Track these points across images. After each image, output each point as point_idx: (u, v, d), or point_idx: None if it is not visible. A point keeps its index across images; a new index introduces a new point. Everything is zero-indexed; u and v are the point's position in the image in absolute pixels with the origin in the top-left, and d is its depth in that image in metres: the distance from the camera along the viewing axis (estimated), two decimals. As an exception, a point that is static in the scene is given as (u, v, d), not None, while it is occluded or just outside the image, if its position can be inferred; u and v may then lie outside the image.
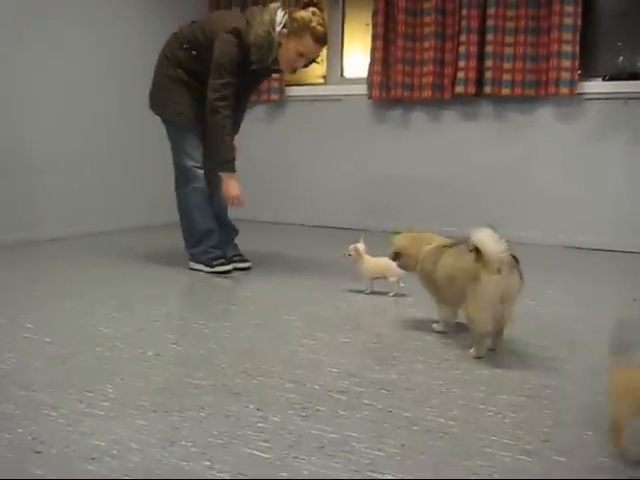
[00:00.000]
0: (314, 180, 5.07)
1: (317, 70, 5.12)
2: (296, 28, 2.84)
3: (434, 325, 2.22)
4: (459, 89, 4.36)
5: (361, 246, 2.73)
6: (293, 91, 5.08)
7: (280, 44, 2.88)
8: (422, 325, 2.28)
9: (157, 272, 3.13)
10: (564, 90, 4.12)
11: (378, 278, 2.72)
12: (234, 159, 2.95)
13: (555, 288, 2.99)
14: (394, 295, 2.70)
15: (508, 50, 4.28)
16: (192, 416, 1.47)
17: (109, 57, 4.35)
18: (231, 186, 2.95)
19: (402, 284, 2.69)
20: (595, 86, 4.19)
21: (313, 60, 3.03)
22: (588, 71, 4.23)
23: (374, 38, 4.64)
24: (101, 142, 4.24)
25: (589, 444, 1.38)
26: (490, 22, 4.26)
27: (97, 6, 4.23)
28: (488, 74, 4.29)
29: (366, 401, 1.59)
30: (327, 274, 3.12)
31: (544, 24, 4.20)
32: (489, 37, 4.27)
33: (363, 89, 4.76)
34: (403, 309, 2.55)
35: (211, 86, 2.86)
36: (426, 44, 4.47)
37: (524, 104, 4.37)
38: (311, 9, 2.86)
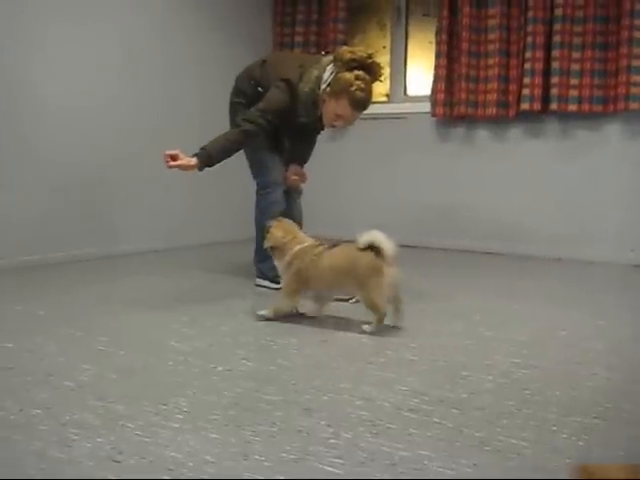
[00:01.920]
0: (378, 198, 5.07)
1: (381, 88, 5.15)
2: (336, 90, 2.81)
3: (262, 311, 2.53)
4: (524, 106, 4.31)
5: None
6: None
7: (324, 101, 2.88)
8: (490, 342, 2.26)
9: (227, 287, 3.21)
10: (634, 105, 4.02)
11: None
12: (209, 154, 2.75)
13: (625, 308, 2.91)
14: (355, 302, 2.73)
15: (575, 66, 4.21)
16: (264, 431, 1.49)
17: (191, 76, 4.52)
18: (185, 162, 2.71)
19: None
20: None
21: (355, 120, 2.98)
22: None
23: (437, 56, 4.64)
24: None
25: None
26: (556, 38, 4.21)
27: (171, 30, 4.40)
28: (554, 90, 4.23)
29: (436, 419, 1.58)
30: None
31: (612, 39, 4.13)
32: (555, 53, 4.22)
33: (427, 107, 4.76)
34: (472, 328, 2.52)
35: (249, 112, 2.89)
36: (490, 61, 4.45)
37: (592, 120, 4.28)
38: (356, 72, 2.76)
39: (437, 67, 4.65)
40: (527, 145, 4.51)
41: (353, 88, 2.76)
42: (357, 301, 2.75)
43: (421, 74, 5.09)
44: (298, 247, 2.52)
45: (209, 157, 2.73)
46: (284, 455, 1.37)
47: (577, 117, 4.31)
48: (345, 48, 2.86)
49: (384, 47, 5.21)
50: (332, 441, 1.44)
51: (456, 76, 4.60)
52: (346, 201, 5.21)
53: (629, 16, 3.99)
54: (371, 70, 2.80)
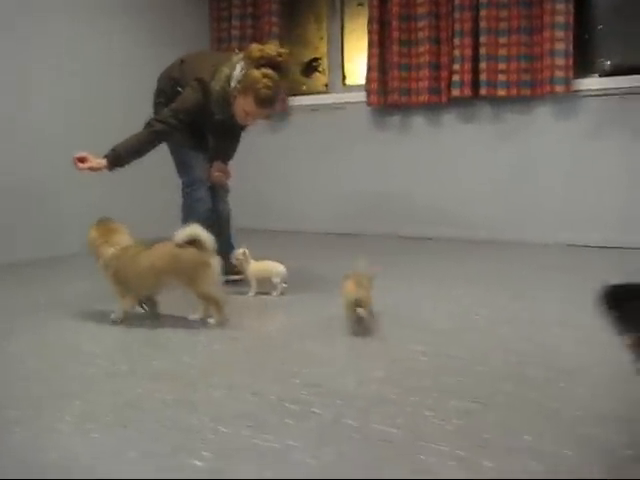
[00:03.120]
0: (320, 187, 5.14)
1: (321, 79, 5.21)
2: (243, 87, 2.83)
3: (112, 315, 2.53)
4: (455, 92, 4.40)
5: (246, 250, 2.99)
6: (297, 100, 5.17)
7: (234, 98, 2.90)
8: (403, 330, 2.34)
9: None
10: (559, 88, 4.12)
11: (263, 279, 2.99)
12: (119, 154, 2.76)
13: (550, 290, 3.02)
14: (279, 295, 2.96)
15: (502, 51, 4.30)
16: (149, 429, 1.55)
17: (128, 78, 4.51)
18: (95, 164, 2.75)
19: (285, 284, 2.98)
20: (591, 83, 4.19)
21: (267, 116, 3.03)
22: (585, 68, 4.24)
23: (370, 45, 4.71)
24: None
25: (523, 449, 1.43)
26: (483, 24, 4.29)
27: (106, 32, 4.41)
28: (483, 76, 4.31)
29: (317, 410, 1.65)
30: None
31: (537, 23, 4.22)
32: (482, 39, 4.29)
33: (363, 96, 4.82)
34: (389, 316, 2.59)
35: (161, 112, 2.92)
36: (421, 49, 4.52)
37: (521, 104, 4.38)
38: (263, 70, 2.79)
39: (370, 56, 4.71)
40: (460, 130, 4.60)
41: (259, 86, 2.79)
42: (281, 294, 2.94)
43: (361, 63, 5.13)
44: (112, 250, 2.50)
45: (118, 158, 2.76)
46: (159, 451, 1.44)
47: (507, 101, 4.40)
48: (254, 46, 2.87)
49: (321, 38, 5.25)
50: (210, 436, 1.51)
51: (388, 65, 4.66)
52: (289, 191, 5.28)
53: (551, 0, 4.07)
54: (280, 68, 2.83)
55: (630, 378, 1.83)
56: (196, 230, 2.41)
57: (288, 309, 2.79)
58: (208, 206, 3.20)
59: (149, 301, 2.64)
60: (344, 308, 2.35)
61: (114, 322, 2.52)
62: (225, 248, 3.32)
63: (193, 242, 2.40)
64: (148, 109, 3.17)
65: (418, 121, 4.73)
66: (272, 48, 2.84)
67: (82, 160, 2.73)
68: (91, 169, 2.74)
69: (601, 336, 2.22)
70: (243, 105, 2.89)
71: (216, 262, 2.43)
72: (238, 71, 2.87)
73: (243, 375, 1.93)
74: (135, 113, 3.06)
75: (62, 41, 4.16)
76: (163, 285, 2.53)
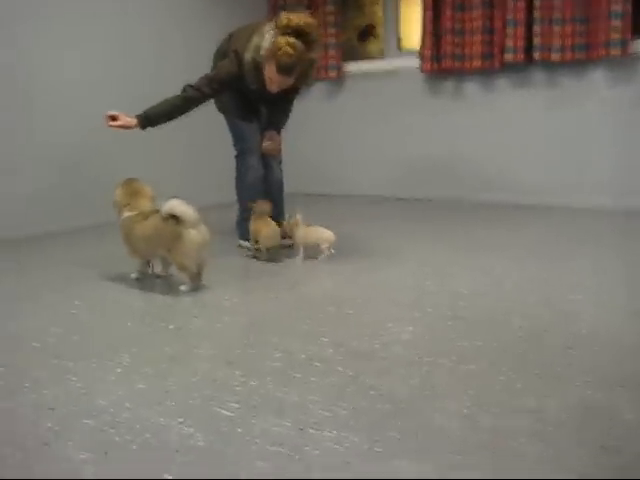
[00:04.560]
0: (372, 153, 5.23)
1: (376, 44, 5.24)
2: (267, 54, 2.91)
3: (132, 274, 2.82)
4: (508, 57, 4.37)
5: (298, 216, 3.11)
6: (352, 66, 5.23)
7: (264, 66, 2.97)
8: (429, 295, 2.45)
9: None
10: (615, 51, 4.05)
11: (311, 244, 3.14)
12: (149, 115, 2.96)
13: (583, 257, 3.05)
14: (325, 260, 3.10)
15: (557, 14, 4.24)
16: (184, 381, 1.73)
17: (184, 40, 4.67)
18: (125, 122, 2.96)
19: (332, 250, 3.12)
20: (650, 45, 4.10)
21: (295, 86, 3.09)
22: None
23: (424, 9, 4.70)
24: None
25: (526, 410, 1.53)
26: (537, -13, 4.23)
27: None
28: (537, 40, 4.27)
29: (340, 368, 1.79)
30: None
31: (593, -16, 4.13)
32: (536, 2, 4.24)
33: (417, 62, 4.84)
34: (418, 280, 2.70)
35: (198, 79, 3.03)
36: (474, 13, 4.49)
37: (575, 68, 4.32)
38: (287, 38, 2.84)
39: (424, 20, 4.71)
40: (513, 95, 4.59)
41: (280, 52, 2.85)
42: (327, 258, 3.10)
43: (418, 27, 5.12)
44: (126, 214, 2.72)
45: (148, 118, 2.96)
46: (191, 402, 1.61)
47: (561, 66, 4.35)
48: (284, 14, 2.92)
49: (377, 3, 5.26)
50: (237, 388, 1.67)
51: (442, 29, 4.65)
52: (341, 157, 5.38)
53: (609, -39, 3.98)
54: (306, 37, 2.88)
55: None
56: (176, 204, 2.50)
57: (330, 274, 2.93)
58: (258, 174, 3.34)
59: (164, 262, 2.82)
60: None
61: (137, 279, 2.82)
62: (277, 215, 3.48)
63: (174, 215, 2.50)
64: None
65: (471, 87, 4.74)
66: (300, 17, 2.88)
67: (114, 118, 2.93)
68: (122, 127, 2.94)
69: (622, 305, 2.29)
70: (268, 72, 2.97)
71: (192, 233, 2.50)
72: (267, 40, 2.93)
73: (278, 334, 2.08)
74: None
75: (114, 9, 4.34)
76: (153, 253, 2.73)
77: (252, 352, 1.94)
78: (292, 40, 2.84)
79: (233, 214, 3.55)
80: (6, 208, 3.80)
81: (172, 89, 3.02)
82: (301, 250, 3.15)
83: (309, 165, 5.38)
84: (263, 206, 3.16)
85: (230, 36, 3.26)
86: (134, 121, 2.94)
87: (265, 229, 3.08)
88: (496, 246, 3.33)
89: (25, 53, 3.84)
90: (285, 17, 2.87)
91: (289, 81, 3.00)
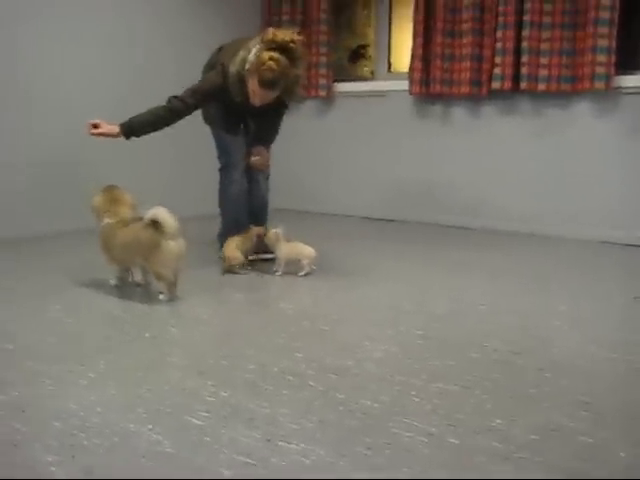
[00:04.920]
0: (360, 173, 5.26)
1: (368, 65, 5.31)
2: (251, 68, 2.92)
3: (110, 281, 2.83)
4: (495, 85, 4.43)
5: (279, 231, 3.14)
6: (342, 86, 5.28)
7: (247, 80, 2.99)
8: (405, 315, 2.48)
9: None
10: (599, 85, 4.12)
11: (292, 260, 3.16)
12: (131, 124, 2.97)
13: (563, 284, 3.09)
14: (304, 275, 3.12)
15: (544, 45, 4.30)
16: (155, 389, 1.74)
17: (179, 56, 4.71)
18: (107, 130, 2.97)
19: (313, 267, 3.16)
20: (633, 80, 4.17)
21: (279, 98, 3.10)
22: (629, 65, 4.22)
23: (415, 35, 4.76)
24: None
25: (491, 431, 1.56)
26: (526, 17, 4.30)
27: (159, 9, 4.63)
28: (524, 69, 4.34)
29: (311, 383, 1.81)
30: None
31: (581, 19, 4.20)
32: (525, 33, 4.32)
33: (407, 85, 4.89)
34: (395, 300, 2.73)
35: (184, 91, 3.04)
36: (464, 40, 4.56)
37: (561, 99, 4.40)
38: (271, 53, 2.85)
39: (414, 46, 4.77)
40: (500, 123, 4.64)
41: (263, 67, 2.86)
42: (306, 274, 3.11)
43: (408, 50, 5.17)
44: (106, 221, 2.74)
45: (130, 127, 2.97)
46: (162, 409, 1.62)
47: (547, 96, 4.42)
48: (270, 29, 2.95)
49: (369, 25, 5.33)
50: (209, 398, 1.69)
51: (432, 54, 4.72)
52: (329, 175, 5.41)
53: (597, -4, 4.07)
54: (291, 53, 2.89)
55: (616, 375, 1.94)
56: (159, 212, 2.50)
57: (309, 290, 2.95)
58: (242, 188, 3.37)
59: (143, 271, 2.81)
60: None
61: (116, 286, 2.82)
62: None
63: (155, 223, 2.50)
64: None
65: (459, 112, 4.79)
66: (285, 33, 2.90)
67: (96, 126, 2.96)
68: (103, 134, 2.96)
69: (597, 334, 2.33)
70: (251, 85, 2.97)
71: (171, 244, 2.52)
72: (252, 54, 2.94)
73: (253, 347, 2.10)
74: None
75: (109, 15, 4.36)
76: (131, 261, 2.74)
77: (225, 363, 1.96)
78: (276, 55, 2.86)
79: (215, 226, 3.56)
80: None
81: (171, 91, 3.05)
82: (282, 264, 3.17)
83: (297, 182, 5.41)
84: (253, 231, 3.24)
85: (220, 49, 3.30)
86: (116, 129, 2.95)
87: (227, 248, 3.15)
88: (476, 270, 3.36)
89: (25, 53, 3.87)
90: (271, 32, 2.90)
91: (272, 95, 3.01)
